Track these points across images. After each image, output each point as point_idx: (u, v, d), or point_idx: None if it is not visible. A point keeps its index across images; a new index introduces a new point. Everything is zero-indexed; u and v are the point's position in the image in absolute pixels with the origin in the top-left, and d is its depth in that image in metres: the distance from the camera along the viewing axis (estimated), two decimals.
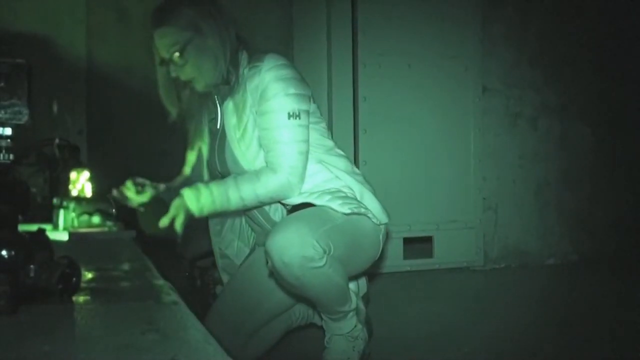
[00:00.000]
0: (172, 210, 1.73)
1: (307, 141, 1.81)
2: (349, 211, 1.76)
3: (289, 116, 1.76)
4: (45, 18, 3.37)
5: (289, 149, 1.76)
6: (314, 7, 3.48)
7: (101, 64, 3.50)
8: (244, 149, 1.82)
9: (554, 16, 3.85)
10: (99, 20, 3.51)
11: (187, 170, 2.07)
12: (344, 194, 1.80)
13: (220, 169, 1.91)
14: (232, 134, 1.83)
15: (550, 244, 3.84)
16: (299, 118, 1.77)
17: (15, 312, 1.16)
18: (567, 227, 3.87)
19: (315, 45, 3.47)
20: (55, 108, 2.58)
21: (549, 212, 3.84)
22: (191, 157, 2.06)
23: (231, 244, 2.07)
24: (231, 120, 1.84)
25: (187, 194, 1.73)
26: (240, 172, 1.83)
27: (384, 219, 1.88)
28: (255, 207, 1.88)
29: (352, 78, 3.49)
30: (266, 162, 1.80)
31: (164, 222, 1.72)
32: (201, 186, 1.76)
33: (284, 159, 1.76)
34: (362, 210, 1.80)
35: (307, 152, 1.81)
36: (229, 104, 1.85)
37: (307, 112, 1.81)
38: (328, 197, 1.78)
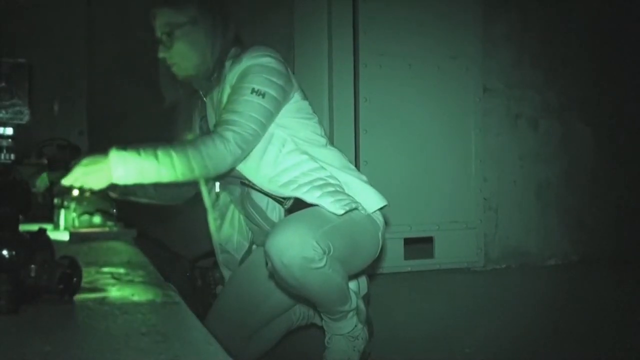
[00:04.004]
0: (88, 169, 1.58)
1: (264, 124, 1.75)
2: (342, 211, 1.74)
3: (252, 91, 1.73)
4: (46, 18, 3.38)
5: (245, 120, 1.71)
6: (315, 7, 3.48)
7: (102, 64, 3.50)
8: None
9: (554, 16, 3.85)
10: (99, 20, 3.51)
11: None
12: (333, 189, 1.78)
13: None
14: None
15: (550, 245, 3.83)
16: (263, 97, 1.73)
17: (16, 312, 1.16)
18: (568, 227, 3.86)
19: (316, 45, 3.47)
20: (56, 108, 2.59)
21: (550, 212, 3.84)
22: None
23: (231, 239, 2.06)
24: (213, 116, 1.86)
25: (114, 154, 1.60)
26: None
27: (380, 202, 1.86)
28: (187, 179, 1.70)
29: (353, 78, 3.49)
30: (213, 129, 1.73)
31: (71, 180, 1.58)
32: (122, 153, 1.62)
33: (236, 125, 1.69)
34: (353, 205, 1.79)
35: (260, 134, 1.75)
36: (214, 99, 1.87)
37: (276, 100, 1.77)
38: (318, 192, 1.76)
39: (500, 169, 3.73)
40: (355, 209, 1.80)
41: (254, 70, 1.77)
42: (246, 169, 1.81)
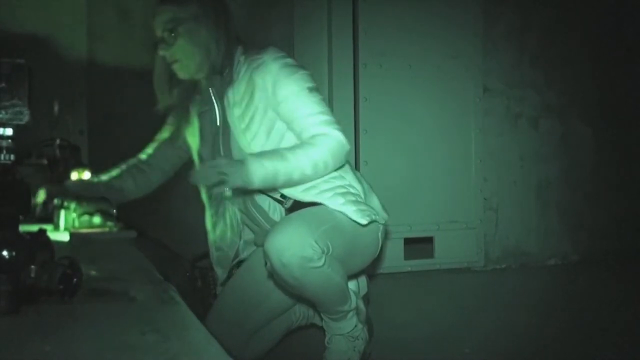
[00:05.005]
0: (224, 173, 1.61)
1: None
2: (365, 221, 1.77)
3: (310, 90, 1.80)
4: (46, 18, 3.38)
5: (325, 117, 1.79)
6: (315, 7, 3.48)
7: (102, 64, 3.50)
8: (250, 139, 1.82)
9: (554, 16, 3.85)
10: (99, 20, 3.51)
11: (148, 151, 2.12)
12: (354, 198, 1.81)
13: None
14: (237, 125, 1.83)
15: (551, 245, 3.83)
16: (317, 92, 1.82)
17: (16, 312, 1.16)
18: (568, 227, 3.86)
19: (316, 45, 3.47)
20: (56, 108, 2.58)
21: (550, 212, 3.84)
22: (162, 136, 2.10)
23: (224, 236, 2.05)
24: (234, 112, 1.84)
25: (252, 158, 1.68)
26: None
27: (385, 217, 1.89)
28: (311, 178, 1.79)
29: (352, 78, 3.48)
30: (309, 135, 1.78)
31: (207, 180, 1.63)
32: (258, 155, 1.71)
33: (327, 124, 1.78)
34: (374, 216, 1.81)
35: None
36: (230, 96, 1.85)
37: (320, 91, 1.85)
38: (341, 200, 1.78)
39: (500, 169, 3.73)
40: (375, 220, 1.82)
41: (290, 71, 1.80)
42: None
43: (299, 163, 1.71)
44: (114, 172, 2.12)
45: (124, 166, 2.13)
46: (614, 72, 3.93)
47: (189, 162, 2.11)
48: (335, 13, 3.46)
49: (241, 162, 1.66)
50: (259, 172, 1.65)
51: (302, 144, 1.77)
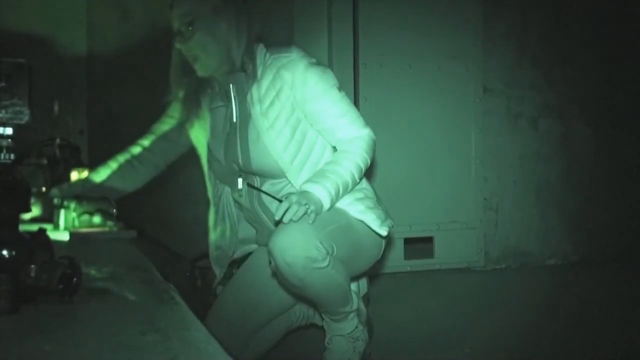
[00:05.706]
0: (307, 205, 1.63)
1: None
2: (385, 233, 1.80)
3: (338, 89, 1.85)
4: (46, 18, 3.38)
5: (354, 115, 1.86)
6: (315, 6, 3.48)
7: (101, 64, 3.50)
8: (274, 137, 1.80)
9: (554, 16, 3.85)
10: (99, 20, 3.51)
11: (144, 143, 2.11)
12: (372, 204, 1.83)
13: (242, 161, 1.88)
14: (260, 123, 1.82)
15: (551, 245, 3.83)
16: (343, 90, 1.88)
17: (16, 312, 1.16)
18: (568, 227, 3.86)
19: (316, 45, 3.46)
20: (56, 108, 2.59)
21: (550, 212, 3.84)
22: (161, 128, 2.08)
23: (223, 234, 2.04)
24: (257, 109, 1.82)
25: (316, 187, 1.69)
26: (269, 163, 1.82)
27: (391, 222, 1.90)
28: (356, 184, 1.83)
29: (352, 78, 3.48)
30: (340, 138, 1.83)
31: (284, 217, 1.62)
32: (316, 181, 1.72)
33: (356, 123, 1.85)
34: (391, 224, 1.84)
35: None
36: (254, 93, 1.83)
37: None
38: (361, 206, 1.79)
39: (500, 169, 3.73)
40: (391, 226, 1.84)
41: (319, 70, 1.84)
42: (291, 170, 1.81)
43: (349, 172, 1.76)
44: (103, 173, 2.10)
45: (113, 164, 2.11)
46: (614, 72, 3.93)
47: (184, 157, 2.10)
48: (335, 13, 3.46)
49: (307, 192, 1.67)
50: (327, 198, 1.69)
51: (342, 152, 1.81)
